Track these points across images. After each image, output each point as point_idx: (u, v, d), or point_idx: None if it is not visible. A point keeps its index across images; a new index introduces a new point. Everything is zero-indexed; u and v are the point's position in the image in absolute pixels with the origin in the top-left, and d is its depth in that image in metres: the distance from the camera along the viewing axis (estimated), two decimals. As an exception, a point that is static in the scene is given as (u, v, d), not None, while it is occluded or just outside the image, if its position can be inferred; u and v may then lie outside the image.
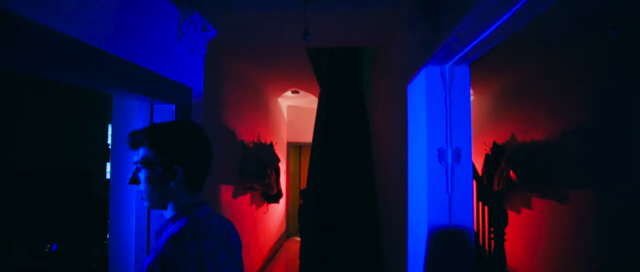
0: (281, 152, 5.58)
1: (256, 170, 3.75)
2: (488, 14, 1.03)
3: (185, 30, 1.56)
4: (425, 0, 1.48)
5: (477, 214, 2.72)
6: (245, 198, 3.74)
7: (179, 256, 0.74)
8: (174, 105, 1.52)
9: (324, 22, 2.40)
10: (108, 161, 4.18)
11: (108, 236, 1.63)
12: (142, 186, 0.86)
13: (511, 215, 3.41)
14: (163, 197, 0.86)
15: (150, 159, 0.84)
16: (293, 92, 5.19)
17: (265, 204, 4.61)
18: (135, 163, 0.86)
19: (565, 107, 2.81)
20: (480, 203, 2.74)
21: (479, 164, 3.86)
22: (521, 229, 3.41)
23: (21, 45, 0.84)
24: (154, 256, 0.75)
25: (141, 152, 0.86)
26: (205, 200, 0.92)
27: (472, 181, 1.63)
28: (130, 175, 0.87)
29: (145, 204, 0.88)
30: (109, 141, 3.75)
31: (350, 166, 4.37)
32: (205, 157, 0.91)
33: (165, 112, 1.53)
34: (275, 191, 4.41)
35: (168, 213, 0.88)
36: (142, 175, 0.85)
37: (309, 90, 5.05)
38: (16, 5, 0.82)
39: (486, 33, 1.15)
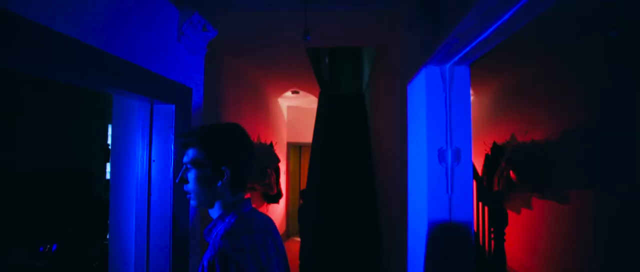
0: (281, 153, 5.58)
1: (256, 170, 3.75)
2: (488, 14, 1.03)
3: (186, 30, 1.56)
4: (425, 0, 1.48)
5: (477, 214, 2.72)
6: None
7: (236, 250, 0.79)
8: (174, 106, 1.52)
9: (324, 22, 2.40)
10: (108, 161, 4.18)
11: (108, 236, 1.63)
12: (190, 186, 0.90)
13: (511, 215, 3.41)
14: (211, 196, 0.90)
15: (200, 160, 0.89)
16: (293, 92, 5.19)
17: (265, 204, 4.61)
18: (185, 163, 0.91)
19: (565, 107, 2.81)
20: (480, 203, 2.74)
21: (479, 164, 3.86)
22: (521, 229, 3.41)
23: (21, 45, 0.84)
24: (212, 251, 0.79)
25: (191, 153, 0.90)
26: (247, 198, 0.97)
27: (472, 181, 1.63)
28: (179, 175, 0.91)
29: (193, 203, 0.92)
30: (109, 141, 3.75)
31: (350, 166, 4.37)
32: (249, 159, 0.96)
33: (165, 113, 1.53)
34: (275, 191, 4.41)
35: (215, 212, 0.92)
36: (191, 175, 0.90)
37: (309, 90, 5.05)
38: (16, 5, 0.82)
39: (486, 33, 1.15)
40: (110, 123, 3.71)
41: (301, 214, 3.34)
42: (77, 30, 0.99)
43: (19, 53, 0.84)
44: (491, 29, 1.11)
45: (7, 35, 0.80)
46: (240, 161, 0.92)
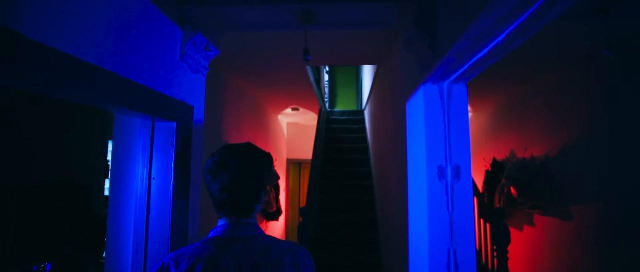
0: (281, 169, 5.56)
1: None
2: (483, 35, 1.06)
3: (188, 50, 1.59)
4: (423, 20, 1.52)
5: (479, 232, 2.69)
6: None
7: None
8: (175, 124, 1.53)
9: (324, 43, 2.46)
10: (107, 177, 4.15)
11: (105, 255, 1.61)
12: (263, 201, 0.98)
13: (513, 232, 3.37)
14: None
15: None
16: (293, 109, 5.23)
17: (265, 221, 4.55)
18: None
19: (564, 123, 2.83)
20: (482, 220, 2.72)
21: (479, 181, 3.85)
22: (524, 246, 3.36)
23: (22, 63, 0.85)
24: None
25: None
26: (221, 222, 1.03)
27: (473, 199, 1.62)
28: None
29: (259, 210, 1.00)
30: (109, 157, 3.74)
31: (351, 183, 4.35)
32: (218, 182, 1.02)
33: (167, 130, 1.54)
34: (275, 209, 4.37)
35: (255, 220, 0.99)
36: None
37: (309, 107, 5.09)
38: (16, 23, 0.83)
39: (482, 53, 1.18)
40: (110, 139, 3.71)
41: (301, 232, 3.29)
42: (78, 49, 1.01)
43: (19, 71, 0.84)
44: (487, 49, 1.14)
45: (7, 54, 0.81)
46: (209, 183, 0.94)
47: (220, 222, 0.94)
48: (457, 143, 1.61)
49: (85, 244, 3.30)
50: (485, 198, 3.58)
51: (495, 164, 3.63)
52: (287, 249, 0.92)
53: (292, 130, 6.42)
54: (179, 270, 0.82)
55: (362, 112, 6.09)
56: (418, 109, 1.72)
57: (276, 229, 5.28)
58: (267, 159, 0.99)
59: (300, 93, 4.22)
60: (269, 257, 0.88)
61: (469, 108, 4.15)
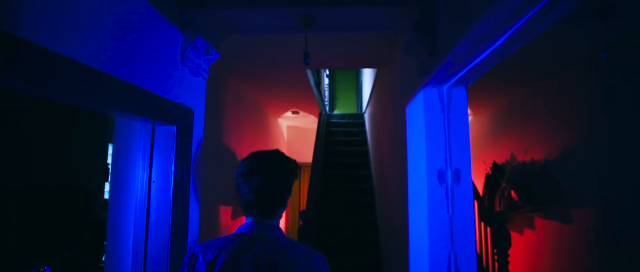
0: (281, 172, 5.55)
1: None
2: (482, 39, 1.06)
3: (189, 54, 1.60)
4: (422, 24, 1.53)
5: (480, 236, 2.69)
6: (244, 219, 3.70)
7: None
8: (175, 127, 1.54)
9: (324, 46, 2.46)
10: (107, 181, 4.15)
11: (104, 258, 1.60)
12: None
13: (514, 236, 3.36)
14: None
15: None
16: (293, 112, 5.23)
17: (265, 224, 4.54)
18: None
19: (564, 126, 2.83)
20: (482, 224, 2.71)
21: (479, 184, 3.85)
22: (524, 249, 3.35)
23: (23, 67, 0.85)
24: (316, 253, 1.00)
25: None
26: (244, 221, 1.16)
27: (473, 202, 1.62)
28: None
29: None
30: (109, 160, 3.74)
31: (351, 186, 4.35)
32: (243, 183, 1.14)
33: (167, 133, 1.54)
34: (275, 212, 4.35)
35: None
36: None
37: (308, 110, 5.10)
38: (17, 27, 0.83)
39: (481, 56, 1.18)
40: (110, 142, 3.71)
41: (301, 235, 3.29)
42: (78, 52, 1.01)
43: (19, 74, 0.85)
44: (486, 53, 1.14)
45: (8, 57, 0.81)
46: (240, 185, 1.05)
47: (247, 220, 1.04)
48: (457, 146, 1.61)
49: (84, 247, 3.29)
50: (486, 201, 3.58)
51: (496, 167, 3.63)
52: (304, 253, 0.98)
53: (292, 134, 6.42)
54: (205, 258, 0.94)
55: (362, 115, 6.10)
56: (418, 112, 1.72)
57: (276, 232, 5.26)
58: (293, 166, 1.09)
59: (300, 96, 4.22)
60: (286, 257, 0.94)
61: (469, 111, 4.15)
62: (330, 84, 7.98)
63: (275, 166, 1.04)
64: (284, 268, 0.92)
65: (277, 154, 1.08)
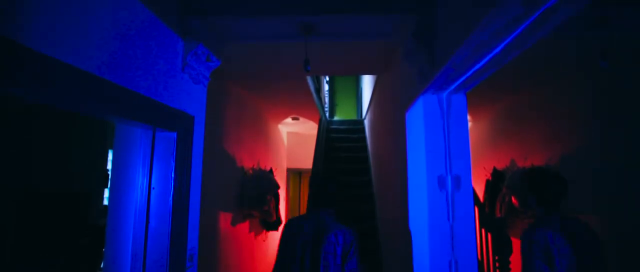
0: (281, 179, 5.54)
1: (256, 196, 3.71)
2: (480, 46, 1.07)
3: (190, 61, 1.61)
4: (421, 32, 1.54)
5: (481, 242, 2.67)
6: (244, 225, 3.68)
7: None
8: (176, 133, 1.54)
9: (324, 53, 2.48)
10: (106, 186, 4.14)
11: (102, 265, 1.59)
12: None
13: (515, 242, 3.34)
14: None
15: None
16: (293, 118, 5.24)
17: (264, 231, 4.52)
18: None
19: (564, 131, 2.84)
20: (483, 230, 2.70)
21: (480, 190, 3.83)
22: (526, 257, 3.32)
23: (23, 73, 0.86)
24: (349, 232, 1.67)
25: None
26: (320, 209, 1.78)
27: (474, 208, 1.62)
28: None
29: None
30: (109, 166, 3.74)
31: (351, 192, 4.34)
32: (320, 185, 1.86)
33: (167, 140, 1.55)
34: (275, 218, 4.34)
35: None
36: None
37: (308, 116, 5.10)
38: (19, 34, 0.84)
39: (480, 64, 1.19)
40: (110, 148, 3.71)
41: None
42: (79, 59, 1.01)
43: (19, 81, 0.85)
44: (485, 60, 1.15)
45: (9, 64, 0.81)
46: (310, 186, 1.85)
47: (310, 207, 1.82)
48: (457, 152, 1.61)
49: (83, 253, 3.27)
50: (486, 208, 3.56)
51: (496, 173, 3.62)
52: (336, 227, 1.66)
53: (292, 140, 6.42)
54: (289, 224, 1.79)
55: (361, 122, 6.11)
56: (418, 119, 1.73)
57: (275, 239, 5.23)
58: (334, 180, 1.81)
59: (300, 102, 4.24)
60: (325, 226, 1.66)
61: (469, 117, 4.15)
62: (330, 90, 8.00)
63: (326, 179, 1.87)
64: (323, 231, 1.65)
65: (328, 173, 1.54)
